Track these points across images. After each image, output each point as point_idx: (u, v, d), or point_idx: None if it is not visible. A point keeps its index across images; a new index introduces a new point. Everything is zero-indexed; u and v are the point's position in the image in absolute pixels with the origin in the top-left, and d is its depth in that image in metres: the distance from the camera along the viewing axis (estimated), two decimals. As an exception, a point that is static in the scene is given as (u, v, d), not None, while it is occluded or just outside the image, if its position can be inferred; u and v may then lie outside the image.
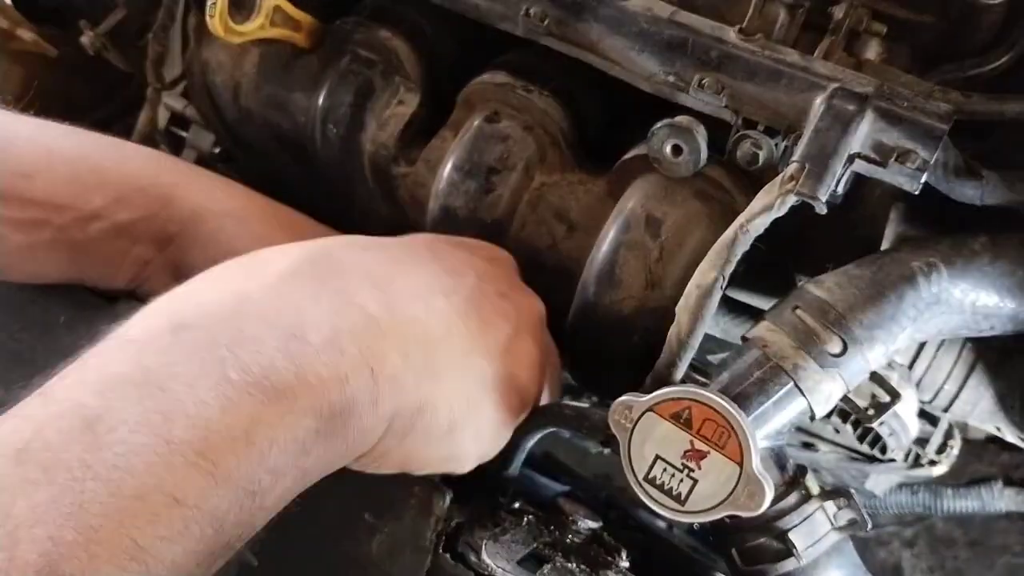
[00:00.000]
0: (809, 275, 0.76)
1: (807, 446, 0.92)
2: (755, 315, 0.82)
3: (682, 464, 0.57)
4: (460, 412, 0.57)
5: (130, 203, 0.71)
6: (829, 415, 0.73)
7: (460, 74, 0.80)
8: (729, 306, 0.81)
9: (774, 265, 0.78)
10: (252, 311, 0.48)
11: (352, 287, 0.53)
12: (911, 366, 0.81)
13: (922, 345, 0.82)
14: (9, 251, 0.69)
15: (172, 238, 0.72)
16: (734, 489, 0.55)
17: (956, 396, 0.82)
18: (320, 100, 0.82)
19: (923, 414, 0.88)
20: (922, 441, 0.90)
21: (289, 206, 0.81)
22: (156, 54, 0.91)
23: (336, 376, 0.48)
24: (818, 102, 0.61)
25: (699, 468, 0.56)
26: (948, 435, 0.92)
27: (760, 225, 0.60)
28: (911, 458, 0.89)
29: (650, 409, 0.58)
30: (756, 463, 0.55)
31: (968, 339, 0.80)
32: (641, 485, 0.58)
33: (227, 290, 0.50)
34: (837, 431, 0.83)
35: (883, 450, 0.82)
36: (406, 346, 0.53)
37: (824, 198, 0.59)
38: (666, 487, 0.57)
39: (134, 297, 0.76)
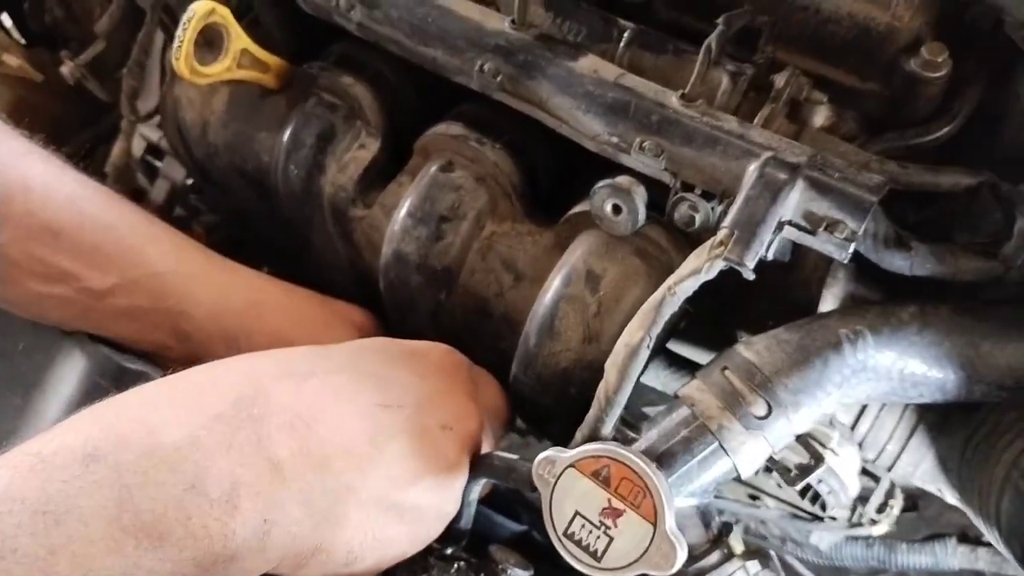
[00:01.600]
0: (751, 332, 0.78)
1: (753, 498, 0.92)
2: (695, 370, 0.83)
3: (599, 521, 0.58)
4: (362, 549, 0.58)
5: (145, 289, 0.74)
6: (770, 470, 0.74)
7: (420, 121, 0.82)
8: (670, 360, 0.82)
9: (717, 321, 0.80)
10: (162, 456, 0.50)
11: (270, 433, 0.54)
12: (854, 425, 0.82)
13: (865, 405, 0.82)
14: (25, 294, 0.72)
15: (189, 335, 0.75)
16: (648, 548, 0.56)
17: (899, 456, 0.83)
18: (284, 140, 0.83)
19: (868, 473, 0.89)
20: (865, 500, 0.91)
21: (251, 243, 0.83)
22: (131, 88, 0.93)
23: (224, 531, 0.50)
24: (751, 169, 0.62)
25: (615, 526, 0.57)
26: (889, 495, 0.92)
27: (688, 288, 0.61)
28: (852, 517, 0.89)
29: (571, 465, 0.59)
30: (670, 524, 0.56)
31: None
32: (560, 540, 0.59)
33: (147, 426, 0.51)
34: (780, 486, 0.84)
35: (823, 507, 0.82)
36: (311, 495, 0.54)
37: (751, 264, 0.60)
38: (584, 543, 0.58)
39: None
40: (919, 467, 0.83)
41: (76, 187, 0.74)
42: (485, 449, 0.68)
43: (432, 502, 0.62)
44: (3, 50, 1.18)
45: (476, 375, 0.72)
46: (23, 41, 1.44)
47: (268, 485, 0.53)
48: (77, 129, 1.41)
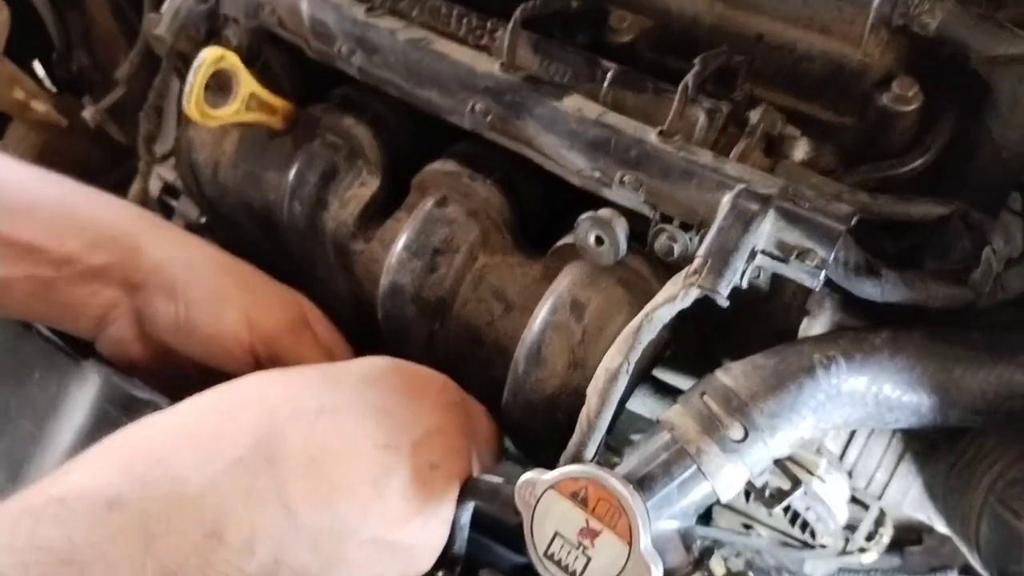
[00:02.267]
0: (734, 358, 0.80)
1: (746, 527, 0.93)
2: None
3: (578, 541, 0.59)
4: None
5: (102, 249, 0.77)
6: (749, 494, 0.75)
7: (418, 159, 0.86)
8: (658, 388, 0.84)
9: (703, 349, 0.82)
10: (184, 503, 0.52)
11: (286, 479, 0.57)
12: (843, 453, 0.83)
13: (853, 432, 0.84)
14: None
15: (138, 286, 0.78)
16: (624, 568, 0.58)
17: (887, 484, 0.84)
18: (289, 179, 0.88)
19: (858, 501, 0.90)
20: (855, 528, 0.92)
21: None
22: (147, 131, 0.98)
23: (240, 574, 0.53)
24: (724, 200, 0.65)
25: (593, 546, 0.59)
26: (879, 522, 0.93)
27: (665, 315, 0.63)
28: (842, 545, 0.90)
29: (551, 487, 0.61)
30: (645, 544, 0.58)
31: (897, 428, 0.82)
32: (541, 560, 0.61)
33: (169, 471, 0.54)
34: (770, 514, 0.85)
35: (813, 535, 0.83)
36: (319, 539, 0.58)
37: (725, 292, 0.62)
38: (563, 563, 0.60)
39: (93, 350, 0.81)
40: (907, 495, 0.83)
41: (26, 173, 0.79)
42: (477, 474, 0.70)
43: (422, 540, 0.65)
44: (32, 97, 1.24)
45: (469, 407, 0.74)
46: (53, 88, 1.51)
47: (282, 530, 0.55)
48: (102, 171, 1.48)
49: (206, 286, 0.78)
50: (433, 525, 0.65)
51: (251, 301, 0.79)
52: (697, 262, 0.63)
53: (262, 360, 0.79)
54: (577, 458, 0.65)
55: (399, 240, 0.81)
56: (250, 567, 0.53)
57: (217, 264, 0.81)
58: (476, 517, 0.69)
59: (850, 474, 0.86)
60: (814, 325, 0.79)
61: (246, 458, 0.56)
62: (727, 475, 0.64)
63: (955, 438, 0.77)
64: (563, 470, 0.61)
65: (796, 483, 0.70)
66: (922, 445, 0.81)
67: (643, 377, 0.80)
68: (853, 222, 0.64)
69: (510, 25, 0.75)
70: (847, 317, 0.80)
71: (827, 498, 0.80)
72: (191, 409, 0.60)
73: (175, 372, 0.81)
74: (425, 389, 0.71)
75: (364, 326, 0.89)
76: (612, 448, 0.69)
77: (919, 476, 0.81)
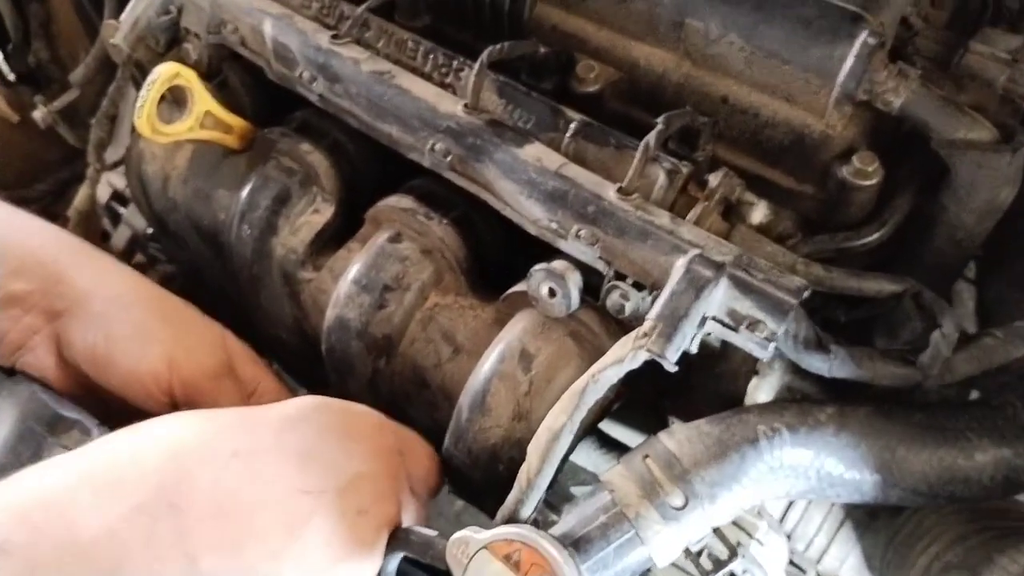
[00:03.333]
0: (682, 418, 0.79)
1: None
2: (626, 452, 0.84)
3: (508, 605, 0.58)
4: None
5: (26, 275, 0.74)
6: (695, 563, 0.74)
7: (376, 190, 0.84)
8: (603, 441, 0.83)
9: (652, 404, 0.81)
10: (78, 551, 0.50)
11: (190, 526, 0.54)
12: (783, 516, 0.83)
13: (793, 497, 0.84)
14: None
15: (60, 314, 0.75)
16: (554, 635, 0.57)
17: (826, 550, 0.84)
18: (240, 200, 0.85)
19: (795, 565, 0.89)
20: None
21: (203, 296, 0.84)
22: (98, 138, 0.95)
23: None
24: (678, 264, 0.64)
25: (523, 611, 0.58)
26: (814, 588, 0.93)
27: (611, 376, 0.62)
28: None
29: (484, 547, 0.59)
30: (577, 611, 0.57)
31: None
32: (469, 622, 0.59)
33: (64, 517, 0.51)
34: None
35: (748, 598, 0.83)
36: None
37: (674, 357, 0.62)
38: (492, 626, 0.58)
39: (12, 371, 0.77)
40: (845, 562, 0.84)
41: None
42: (408, 519, 0.68)
43: None
44: (-19, 89, 1.20)
45: (405, 441, 0.72)
46: (12, 77, 1.47)
47: None
48: (51, 168, 1.44)
49: (130, 321, 0.75)
50: (359, 572, 0.63)
51: (174, 341, 0.75)
52: (647, 325, 0.62)
53: (179, 403, 0.75)
54: (513, 516, 0.64)
55: (349, 272, 0.79)
56: None
57: (144, 299, 0.77)
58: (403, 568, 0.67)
59: (789, 537, 0.85)
60: (762, 386, 0.79)
61: (148, 503, 0.54)
62: (665, 541, 0.63)
63: (896, 510, 0.77)
64: (497, 531, 0.60)
65: (733, 553, 0.69)
66: (863, 514, 0.81)
67: (588, 431, 0.79)
68: (805, 296, 0.63)
69: (476, 66, 0.74)
70: (796, 379, 0.80)
71: (765, 562, 0.79)
72: (94, 451, 0.57)
73: (96, 401, 0.77)
74: (356, 430, 0.68)
75: (307, 356, 0.87)
76: (551, 504, 0.68)
77: (858, 544, 0.81)
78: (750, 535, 0.80)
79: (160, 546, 0.53)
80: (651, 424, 0.84)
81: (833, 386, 0.76)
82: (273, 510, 0.59)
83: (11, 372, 0.79)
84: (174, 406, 0.75)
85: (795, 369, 0.80)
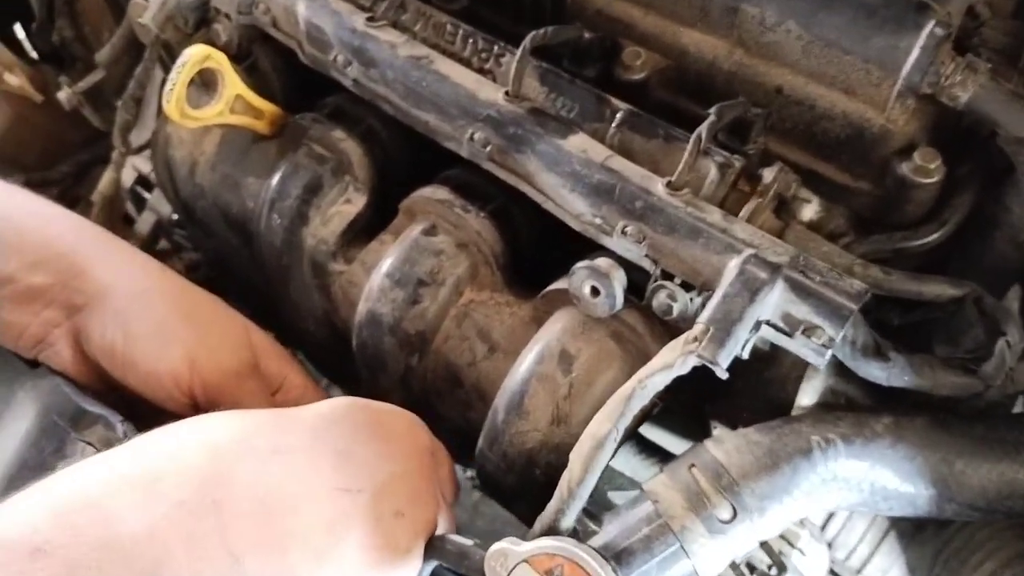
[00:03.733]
0: (725, 423, 0.76)
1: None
2: (666, 458, 0.82)
3: (549, 620, 0.56)
4: None
5: (45, 268, 0.71)
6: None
7: (409, 180, 0.82)
8: (642, 445, 0.81)
9: (693, 408, 0.78)
10: (118, 549, 0.48)
11: (232, 523, 0.53)
12: (825, 524, 0.80)
13: (837, 505, 0.81)
14: None
15: (79, 308, 0.73)
16: (596, 652, 0.54)
17: (868, 560, 0.81)
18: (270, 188, 0.83)
19: (835, 574, 0.87)
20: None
21: (229, 285, 0.82)
22: (124, 121, 0.92)
23: None
24: (731, 265, 0.61)
25: (565, 626, 0.55)
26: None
27: (659, 382, 0.59)
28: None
29: (525, 561, 0.57)
30: (621, 630, 0.54)
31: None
32: (507, 636, 0.57)
33: (104, 514, 0.50)
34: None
35: (788, 608, 0.80)
36: None
37: (725, 363, 0.59)
38: (531, 641, 0.56)
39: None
40: (888, 573, 0.80)
41: None
42: (441, 527, 0.66)
43: None
44: (5, 68, 1.18)
45: (436, 449, 0.70)
46: (35, 55, 1.45)
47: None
48: (74, 149, 1.42)
49: (150, 319, 0.72)
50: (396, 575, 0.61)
51: (196, 341, 0.72)
52: (698, 329, 0.59)
53: (201, 404, 0.73)
54: (554, 526, 0.61)
55: (382, 265, 0.77)
56: None
57: (165, 294, 0.75)
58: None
59: (830, 545, 0.83)
60: (806, 388, 0.76)
61: (189, 500, 0.52)
62: (710, 555, 0.60)
63: (944, 522, 0.74)
64: (538, 544, 0.57)
65: (781, 568, 0.67)
66: (908, 525, 0.78)
67: (628, 436, 0.76)
68: (865, 300, 0.60)
69: (519, 52, 0.71)
70: (840, 382, 0.77)
71: (806, 572, 0.76)
72: (132, 450, 0.56)
73: (118, 396, 0.75)
74: (391, 430, 0.66)
75: (336, 350, 0.85)
76: (588, 511, 0.65)
77: (902, 556, 0.78)
78: (792, 544, 0.78)
79: (202, 544, 0.51)
80: (690, 428, 0.81)
81: (878, 391, 0.73)
82: (313, 508, 0.57)
83: (35, 364, 0.77)
84: (195, 406, 0.73)
85: (839, 371, 0.77)
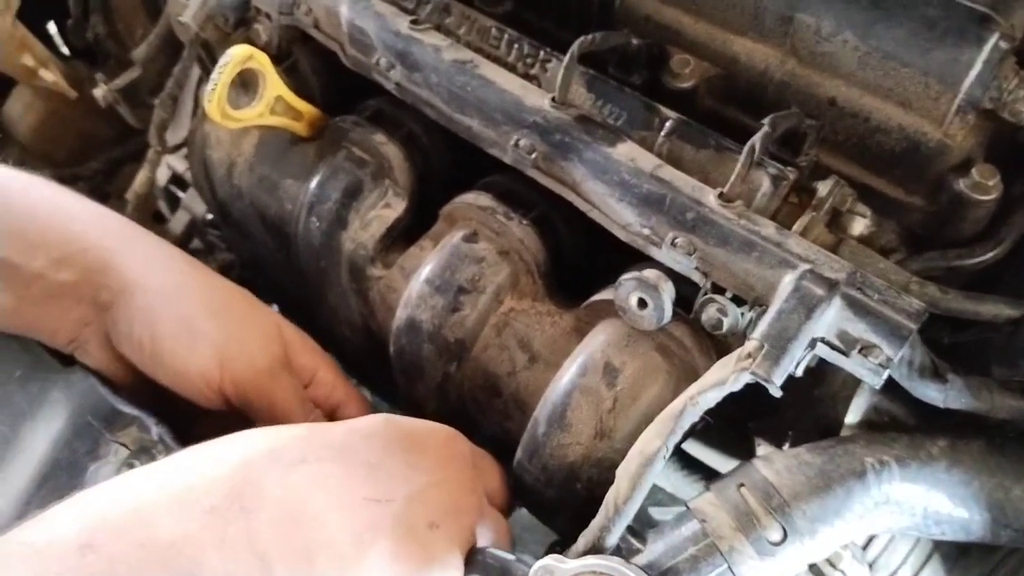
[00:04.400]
0: (770, 440, 0.75)
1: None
2: (710, 474, 0.80)
3: (595, 641, 0.54)
4: None
5: (71, 264, 0.70)
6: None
7: (450, 185, 0.81)
8: (683, 461, 0.79)
9: (735, 424, 0.77)
10: (156, 550, 0.50)
11: (261, 529, 0.53)
12: (866, 546, 0.78)
13: (880, 525, 0.79)
14: None
15: (107, 306, 0.72)
16: (643, 678, 0.53)
17: (911, 583, 0.79)
18: (309, 191, 0.82)
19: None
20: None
21: (264, 288, 0.81)
22: (161, 120, 0.91)
23: None
24: (787, 280, 0.60)
25: (611, 648, 0.54)
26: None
27: (711, 399, 0.58)
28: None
29: (570, 578, 0.55)
30: (669, 653, 0.53)
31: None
32: (551, 655, 0.55)
33: (143, 518, 0.51)
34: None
35: (828, 631, 0.78)
36: None
37: (779, 381, 0.57)
38: (576, 662, 0.55)
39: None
40: (932, 597, 0.78)
41: None
42: (484, 539, 0.65)
43: None
44: (41, 64, 1.18)
45: (478, 459, 0.69)
46: (66, 51, 1.45)
47: None
48: (105, 146, 1.42)
49: (178, 317, 0.71)
50: None
51: (226, 338, 0.71)
52: (751, 345, 0.58)
53: (232, 401, 0.73)
54: (598, 544, 0.60)
55: (422, 272, 0.76)
56: None
57: (194, 291, 0.74)
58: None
59: (871, 565, 0.81)
60: (851, 407, 0.74)
61: (220, 506, 0.53)
62: (758, 578, 0.59)
63: (992, 546, 0.72)
64: (585, 562, 0.56)
65: (830, 593, 0.65)
66: (953, 547, 0.76)
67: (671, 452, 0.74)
68: (923, 320, 0.58)
69: (566, 59, 0.70)
70: (884, 400, 0.75)
71: (848, 594, 0.74)
72: (168, 464, 0.57)
73: (154, 393, 0.74)
74: (426, 443, 0.65)
75: (373, 356, 0.84)
76: (631, 529, 0.64)
77: (946, 580, 0.76)
78: (834, 566, 0.76)
79: (233, 548, 0.52)
80: (731, 443, 0.79)
81: (923, 410, 0.71)
82: (340, 517, 0.56)
83: (71, 361, 0.76)
84: (228, 405, 0.73)
85: (884, 389, 0.75)
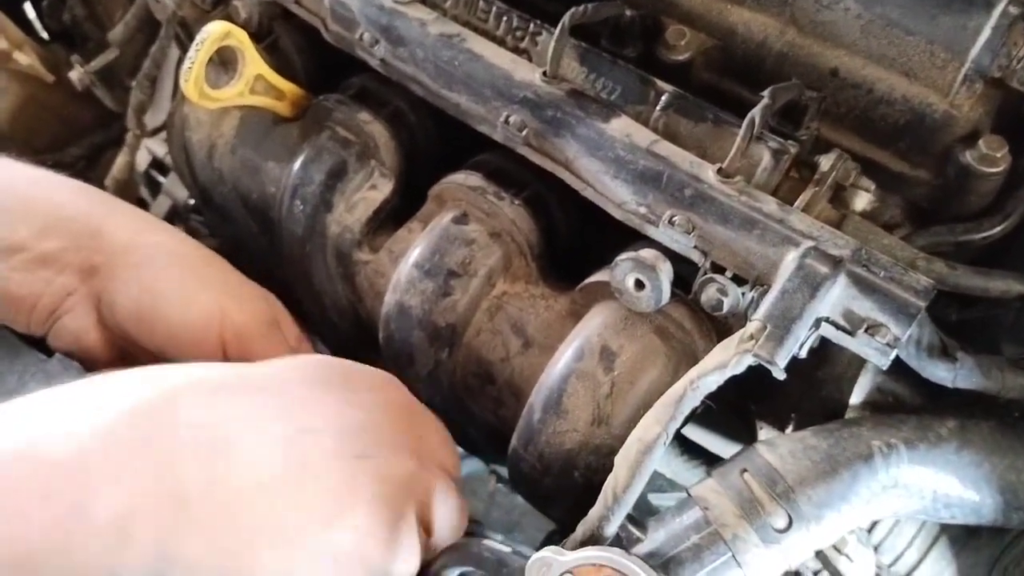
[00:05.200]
0: (772, 423, 0.73)
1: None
2: (710, 459, 0.78)
3: (595, 635, 0.52)
4: None
5: (56, 232, 0.68)
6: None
7: (438, 165, 0.78)
8: (683, 446, 0.77)
9: (736, 407, 0.75)
10: (41, 475, 0.44)
11: (177, 454, 0.49)
12: (871, 529, 0.77)
13: (885, 508, 0.77)
14: None
15: (97, 268, 0.70)
16: (646, 672, 0.51)
17: (917, 566, 0.77)
18: (292, 173, 0.79)
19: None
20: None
21: (248, 273, 0.78)
22: (139, 102, 0.88)
23: (110, 562, 0.45)
24: (790, 259, 0.57)
25: (612, 642, 0.52)
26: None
27: (712, 383, 0.56)
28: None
29: (569, 572, 0.53)
30: (673, 648, 0.51)
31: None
32: (550, 650, 0.53)
33: (27, 440, 0.46)
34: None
35: (832, 616, 0.77)
36: (215, 527, 0.49)
37: (783, 363, 0.55)
38: (575, 657, 0.53)
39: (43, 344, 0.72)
40: (938, 580, 0.77)
41: None
42: (445, 498, 0.62)
43: (352, 547, 0.54)
44: (15, 46, 1.14)
45: (416, 409, 0.66)
46: (45, 35, 1.41)
47: (169, 516, 0.47)
48: (85, 131, 1.38)
49: (176, 271, 0.70)
50: (368, 530, 0.54)
51: (224, 289, 0.70)
52: (754, 326, 0.56)
53: (230, 354, 0.70)
54: (597, 533, 0.57)
55: (410, 255, 0.73)
56: (125, 555, 0.45)
57: (190, 248, 0.73)
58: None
59: (876, 548, 0.79)
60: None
61: (122, 429, 0.48)
62: (763, 566, 0.57)
63: (1002, 528, 0.71)
64: (584, 553, 0.54)
65: (837, 579, 0.63)
66: (961, 530, 0.74)
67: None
68: (931, 297, 0.56)
69: (557, 31, 0.67)
70: (887, 380, 0.73)
71: (853, 578, 0.73)
72: (74, 384, 0.51)
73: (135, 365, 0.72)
74: (359, 383, 0.62)
75: (361, 342, 0.81)
76: (630, 516, 0.61)
77: (954, 563, 0.75)
78: (839, 550, 0.74)
79: (138, 479, 0.47)
80: (732, 426, 0.77)
81: (927, 389, 0.69)
82: (270, 450, 0.53)
83: (49, 353, 0.74)
84: (225, 358, 0.70)
85: (886, 368, 0.73)
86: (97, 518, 0.45)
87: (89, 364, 0.73)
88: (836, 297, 0.56)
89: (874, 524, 0.78)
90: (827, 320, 0.57)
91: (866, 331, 0.56)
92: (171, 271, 0.70)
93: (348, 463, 0.55)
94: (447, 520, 0.61)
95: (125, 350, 0.74)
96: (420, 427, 0.64)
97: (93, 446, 0.47)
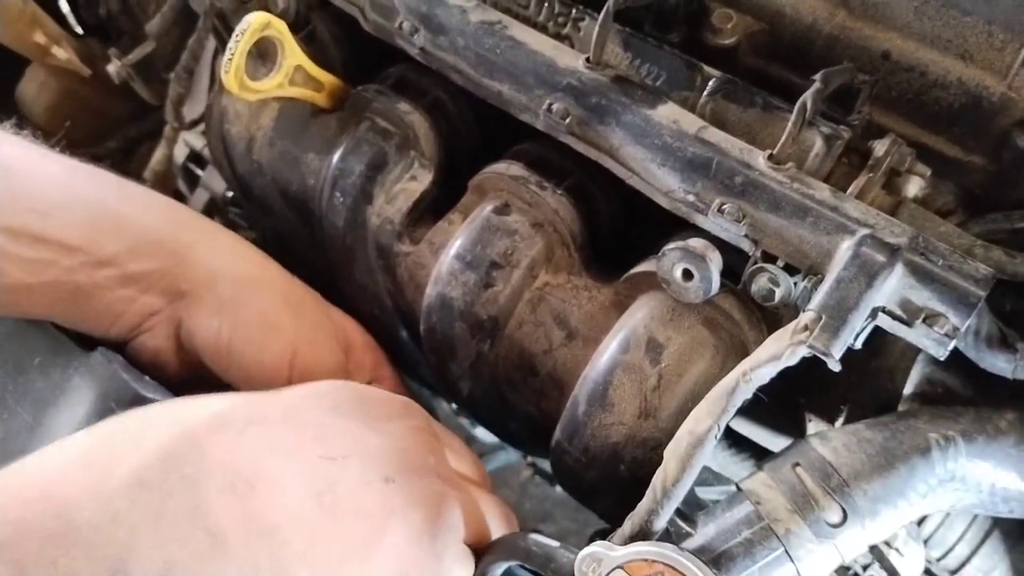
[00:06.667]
0: (822, 416, 0.71)
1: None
2: (757, 452, 0.77)
3: (647, 631, 0.51)
4: None
5: (145, 254, 0.69)
6: None
7: (479, 155, 0.77)
8: (731, 439, 0.76)
9: (785, 399, 0.73)
10: (76, 537, 0.44)
11: (206, 497, 0.48)
12: (921, 522, 0.75)
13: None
14: (7, 288, 0.66)
15: (182, 295, 0.71)
16: (700, 667, 0.50)
17: (968, 560, 0.76)
18: (332, 165, 0.79)
19: (929, 573, 0.82)
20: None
21: (289, 267, 0.78)
22: (177, 95, 0.88)
23: None
24: (845, 247, 0.56)
25: (664, 639, 0.51)
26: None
27: (765, 375, 0.55)
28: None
29: (620, 567, 0.53)
30: (728, 644, 0.50)
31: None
32: (602, 646, 0.53)
33: (54, 502, 0.45)
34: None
35: (882, 611, 0.75)
36: (257, 564, 0.49)
37: (838, 354, 0.54)
38: (628, 653, 0.52)
39: (120, 347, 0.72)
40: (990, 575, 0.75)
41: (58, 167, 0.70)
42: (491, 517, 0.62)
43: (395, 568, 0.54)
44: (53, 41, 1.15)
45: (438, 430, 0.66)
46: (79, 30, 1.42)
47: (208, 561, 0.47)
48: (122, 124, 1.39)
49: (256, 308, 0.71)
50: (406, 546, 0.54)
51: (297, 333, 0.71)
52: (808, 317, 0.54)
53: None
54: (645, 528, 0.57)
55: (451, 247, 0.72)
56: None
57: (274, 283, 0.74)
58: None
59: (926, 542, 0.77)
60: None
61: (151, 480, 0.47)
62: (816, 561, 0.56)
63: (1056, 524, 0.69)
64: (635, 548, 0.53)
65: (892, 574, 0.62)
66: (1014, 524, 0.72)
67: (716, 429, 0.71)
68: (991, 287, 0.55)
69: (601, 16, 0.66)
70: (936, 370, 0.71)
71: (902, 573, 0.71)
72: (90, 432, 0.51)
73: (209, 389, 0.72)
74: (378, 407, 0.62)
75: (402, 334, 0.81)
76: (680, 512, 0.61)
77: (1006, 558, 0.73)
78: (889, 544, 0.73)
79: (174, 524, 0.47)
80: (783, 422, 0.76)
81: (976, 380, 0.67)
82: (298, 480, 0.53)
83: (92, 346, 0.74)
84: None
85: (936, 359, 0.71)
86: (137, 574, 0.45)
87: (165, 380, 0.73)
88: (893, 286, 0.55)
89: (924, 517, 0.77)
90: (883, 310, 0.55)
91: (924, 321, 0.55)
92: (251, 309, 0.71)
93: (377, 487, 0.55)
94: (496, 525, 0.61)
95: (199, 374, 0.74)
96: (442, 447, 0.64)
97: (123, 504, 0.46)
